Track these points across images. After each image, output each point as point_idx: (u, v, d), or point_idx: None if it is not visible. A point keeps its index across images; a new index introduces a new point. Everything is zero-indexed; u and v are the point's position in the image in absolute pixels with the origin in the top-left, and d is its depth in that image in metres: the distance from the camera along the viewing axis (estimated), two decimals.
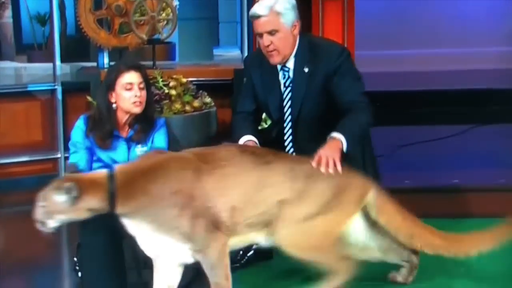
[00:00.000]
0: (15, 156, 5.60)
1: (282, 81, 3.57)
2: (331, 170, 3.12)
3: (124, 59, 3.77)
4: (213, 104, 5.12)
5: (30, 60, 7.14)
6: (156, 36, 5.69)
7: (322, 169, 3.13)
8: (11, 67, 6.79)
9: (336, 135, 3.27)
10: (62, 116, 5.70)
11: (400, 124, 6.40)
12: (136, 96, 3.38)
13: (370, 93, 3.56)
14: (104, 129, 3.40)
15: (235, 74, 5.36)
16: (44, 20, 7.35)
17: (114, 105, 3.39)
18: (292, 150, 3.63)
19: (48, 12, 7.18)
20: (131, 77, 3.40)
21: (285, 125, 3.60)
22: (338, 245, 3.19)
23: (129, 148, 3.44)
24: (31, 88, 5.80)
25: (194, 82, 5.17)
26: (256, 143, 3.48)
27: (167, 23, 5.91)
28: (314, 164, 3.15)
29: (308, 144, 3.51)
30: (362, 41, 5.60)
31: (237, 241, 3.14)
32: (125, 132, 3.46)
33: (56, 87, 5.68)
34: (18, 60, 7.33)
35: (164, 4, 5.56)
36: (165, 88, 4.91)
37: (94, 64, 6.27)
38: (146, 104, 3.42)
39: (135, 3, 5.39)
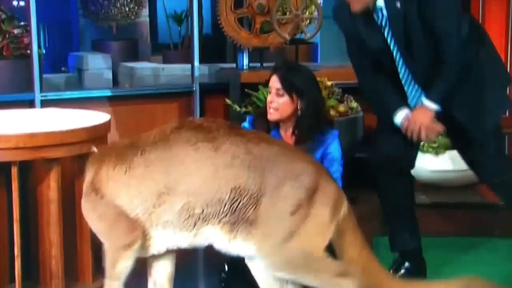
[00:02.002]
0: None
1: (378, 23, 3.49)
2: (415, 138, 3.42)
3: (279, 60, 3.84)
4: (359, 109, 5.10)
5: (165, 60, 7.41)
6: (299, 36, 5.78)
7: (411, 136, 3.42)
8: (149, 68, 7.07)
9: (426, 102, 3.43)
10: None
11: None
12: (268, 100, 3.47)
13: None
14: (263, 123, 3.54)
15: None
16: (180, 19, 7.61)
17: None
18: (414, 89, 3.57)
19: (185, 10, 7.46)
20: (272, 81, 3.49)
21: (399, 67, 3.54)
22: (331, 260, 2.85)
23: None
24: (169, 89, 5.99)
25: (339, 85, 5.15)
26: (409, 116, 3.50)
27: (310, 22, 6.00)
28: (403, 129, 3.42)
29: (428, 77, 3.49)
30: None
31: (185, 236, 2.85)
32: (289, 139, 3.52)
33: (194, 88, 5.87)
34: (153, 60, 7.62)
35: (308, 1, 5.64)
36: None
37: (232, 65, 6.43)
38: (304, 114, 3.46)
39: (278, 1, 5.44)
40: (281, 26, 5.52)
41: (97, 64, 7.04)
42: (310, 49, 6.80)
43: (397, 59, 3.53)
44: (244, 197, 2.77)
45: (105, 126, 3.58)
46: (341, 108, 4.98)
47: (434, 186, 5.29)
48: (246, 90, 5.19)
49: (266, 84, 3.57)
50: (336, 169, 3.50)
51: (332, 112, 4.93)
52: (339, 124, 4.89)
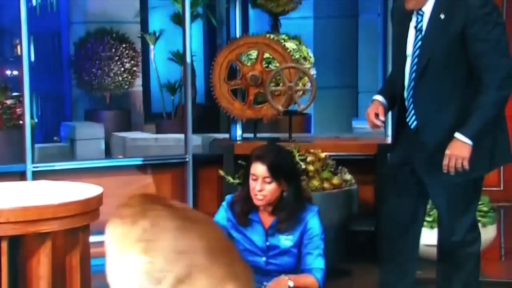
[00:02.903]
0: None
1: (412, 25, 3.54)
2: (460, 170, 3.41)
3: (261, 147, 3.82)
4: (354, 181, 5.08)
5: (158, 129, 7.45)
6: (292, 107, 5.82)
7: (451, 171, 3.42)
8: (142, 138, 7.09)
9: (461, 137, 3.42)
10: (193, 191, 5.83)
11: None
12: (257, 189, 3.46)
13: None
14: (243, 206, 3.54)
15: (378, 149, 5.36)
16: (174, 88, 7.69)
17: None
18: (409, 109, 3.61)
19: (178, 80, 7.55)
20: (256, 169, 3.47)
21: (408, 79, 3.56)
22: None
23: (268, 235, 3.51)
24: (162, 160, 5.99)
25: (333, 157, 5.16)
26: (381, 103, 3.70)
27: (303, 93, 6.05)
28: (444, 168, 3.42)
29: (429, 104, 3.53)
30: None
31: None
32: (267, 218, 3.54)
33: (187, 159, 5.88)
34: (146, 130, 7.65)
35: (301, 73, 5.70)
36: (302, 163, 4.94)
37: (225, 135, 6.46)
38: (289, 196, 3.48)
39: (272, 73, 5.53)
40: (275, 97, 5.56)
41: (90, 134, 7.07)
42: (304, 120, 6.84)
43: (409, 71, 3.56)
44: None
45: (98, 199, 3.57)
46: (335, 180, 4.97)
47: (428, 261, 5.24)
48: (239, 161, 5.20)
49: None
50: (317, 245, 3.48)
51: (326, 185, 4.93)
52: (333, 196, 4.90)
